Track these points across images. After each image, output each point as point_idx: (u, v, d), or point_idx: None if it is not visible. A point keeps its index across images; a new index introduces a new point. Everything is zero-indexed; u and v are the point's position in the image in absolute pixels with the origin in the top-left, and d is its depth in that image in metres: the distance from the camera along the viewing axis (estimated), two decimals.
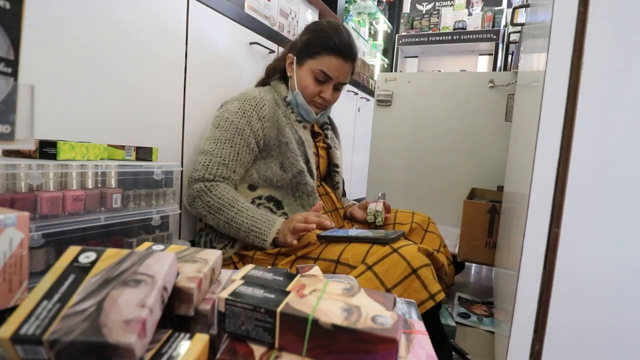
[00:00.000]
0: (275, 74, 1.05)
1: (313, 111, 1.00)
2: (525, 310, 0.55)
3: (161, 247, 0.45)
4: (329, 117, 1.18)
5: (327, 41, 0.94)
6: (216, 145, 0.89)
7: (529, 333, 0.55)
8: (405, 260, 0.73)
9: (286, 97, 1.01)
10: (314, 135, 1.09)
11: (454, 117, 1.86)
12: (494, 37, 3.31)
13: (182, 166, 0.98)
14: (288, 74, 1.01)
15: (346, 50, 0.95)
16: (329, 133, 1.15)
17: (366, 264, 0.75)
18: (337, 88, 1.01)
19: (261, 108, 0.93)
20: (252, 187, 0.96)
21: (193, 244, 1.03)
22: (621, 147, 0.49)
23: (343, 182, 1.20)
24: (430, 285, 0.72)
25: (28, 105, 0.33)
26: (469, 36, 3.41)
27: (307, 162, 0.99)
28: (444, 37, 3.50)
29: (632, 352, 0.50)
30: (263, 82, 1.07)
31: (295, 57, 0.98)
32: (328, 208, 1.07)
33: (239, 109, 0.92)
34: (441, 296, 0.72)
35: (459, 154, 1.85)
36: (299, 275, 0.42)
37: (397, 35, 3.75)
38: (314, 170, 1.00)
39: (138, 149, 0.78)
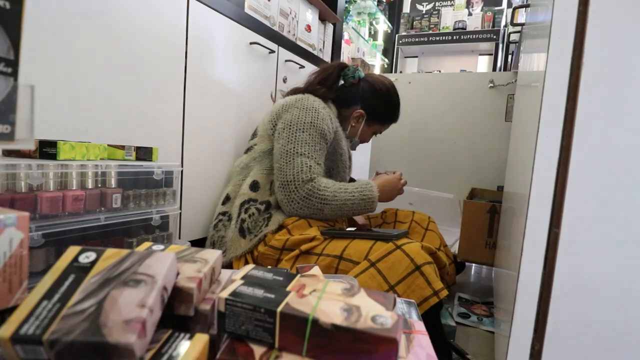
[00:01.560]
0: (327, 98, 1.09)
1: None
2: (525, 310, 0.55)
3: (161, 247, 0.45)
4: None
5: (396, 116, 1.15)
6: (309, 147, 0.94)
7: (529, 333, 0.55)
8: (409, 257, 0.73)
9: (337, 115, 1.09)
10: None
11: (454, 117, 1.86)
12: (494, 37, 3.31)
13: (182, 166, 0.98)
14: (352, 124, 1.11)
15: None
16: None
17: (369, 260, 0.75)
18: None
19: (331, 118, 1.01)
20: None
21: (193, 243, 1.02)
22: (621, 146, 0.49)
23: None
24: (434, 282, 0.72)
25: (28, 105, 0.33)
26: (469, 36, 3.41)
27: (348, 174, 1.12)
28: (444, 37, 3.50)
29: (632, 351, 0.50)
30: (303, 91, 1.08)
31: (366, 116, 1.10)
32: None
33: (318, 115, 0.97)
34: (445, 293, 0.72)
35: (459, 154, 1.85)
36: (299, 275, 0.42)
37: (397, 35, 3.75)
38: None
39: (138, 149, 0.78)
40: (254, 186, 0.98)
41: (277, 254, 0.87)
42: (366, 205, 0.95)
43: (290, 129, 0.96)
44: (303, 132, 0.95)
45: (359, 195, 0.94)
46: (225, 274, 0.47)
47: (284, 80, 1.39)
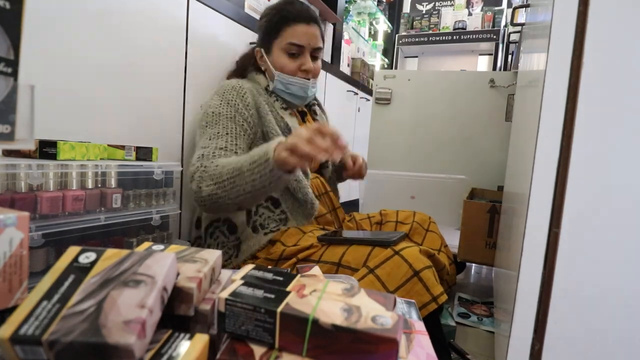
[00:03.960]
0: (248, 67, 1.03)
1: (304, 82, 0.95)
2: (525, 310, 0.55)
3: (161, 247, 0.45)
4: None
5: (283, 14, 0.93)
6: (210, 139, 0.84)
7: (529, 333, 0.55)
8: (407, 262, 0.73)
9: (267, 86, 0.98)
10: (302, 115, 1.06)
11: (454, 116, 1.85)
12: (494, 37, 3.31)
13: (182, 166, 0.98)
14: (262, 68, 0.99)
15: (305, 14, 0.94)
16: (317, 109, 1.12)
17: (368, 267, 0.75)
18: (314, 56, 0.98)
19: (243, 95, 0.90)
20: None
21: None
22: (621, 146, 0.49)
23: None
24: (433, 287, 0.72)
25: (28, 105, 0.33)
26: (469, 36, 3.41)
27: None
28: (444, 37, 3.50)
29: (632, 352, 0.50)
30: (235, 75, 1.03)
31: (262, 49, 0.97)
32: (327, 208, 1.06)
33: (222, 100, 0.88)
34: (444, 298, 0.71)
35: (459, 154, 1.85)
36: (299, 276, 0.42)
37: (397, 35, 3.75)
38: None
39: (138, 149, 0.78)
40: None
41: (273, 264, 0.85)
42: (260, 172, 0.70)
43: (199, 129, 0.89)
44: (206, 127, 0.87)
45: (249, 158, 0.73)
46: (225, 274, 0.47)
47: None
